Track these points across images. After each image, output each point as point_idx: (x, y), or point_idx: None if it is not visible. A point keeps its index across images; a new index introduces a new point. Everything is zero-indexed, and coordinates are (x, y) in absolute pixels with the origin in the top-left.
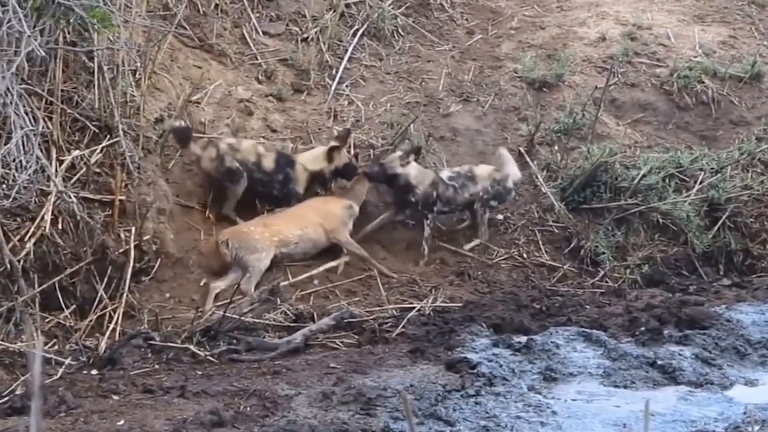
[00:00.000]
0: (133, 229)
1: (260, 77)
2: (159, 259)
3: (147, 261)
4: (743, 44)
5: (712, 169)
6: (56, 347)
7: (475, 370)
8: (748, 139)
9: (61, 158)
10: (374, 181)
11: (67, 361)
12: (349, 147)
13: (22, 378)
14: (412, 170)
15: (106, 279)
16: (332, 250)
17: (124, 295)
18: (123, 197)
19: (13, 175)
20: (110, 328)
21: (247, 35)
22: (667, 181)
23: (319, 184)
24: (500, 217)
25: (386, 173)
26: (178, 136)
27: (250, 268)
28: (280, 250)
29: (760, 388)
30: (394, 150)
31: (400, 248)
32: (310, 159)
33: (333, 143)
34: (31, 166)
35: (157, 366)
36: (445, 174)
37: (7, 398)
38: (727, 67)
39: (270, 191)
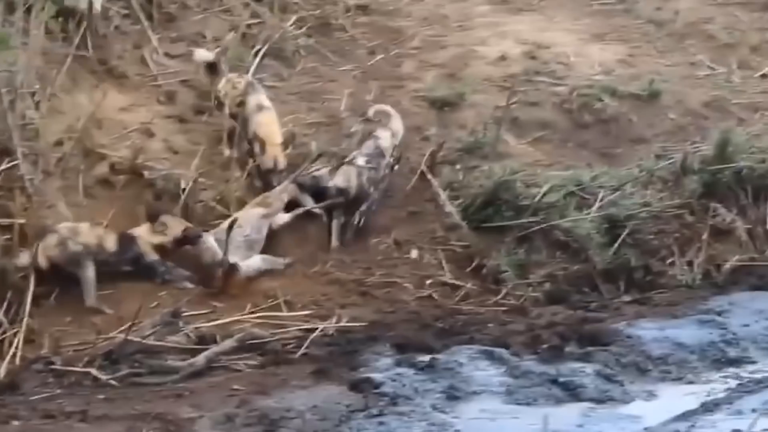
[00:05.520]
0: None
1: (161, 99)
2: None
3: (47, 285)
4: (641, 62)
5: (612, 186)
6: None
7: (379, 390)
8: (647, 156)
9: None
10: (306, 191)
11: None
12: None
13: None
14: (340, 178)
15: (5, 303)
16: None
17: (24, 319)
18: (23, 221)
19: None
20: (10, 353)
21: (147, 57)
22: (568, 198)
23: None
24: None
25: (319, 185)
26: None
27: None
28: None
29: (661, 403)
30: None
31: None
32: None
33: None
34: None
35: (58, 390)
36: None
37: None
38: (626, 86)
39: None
